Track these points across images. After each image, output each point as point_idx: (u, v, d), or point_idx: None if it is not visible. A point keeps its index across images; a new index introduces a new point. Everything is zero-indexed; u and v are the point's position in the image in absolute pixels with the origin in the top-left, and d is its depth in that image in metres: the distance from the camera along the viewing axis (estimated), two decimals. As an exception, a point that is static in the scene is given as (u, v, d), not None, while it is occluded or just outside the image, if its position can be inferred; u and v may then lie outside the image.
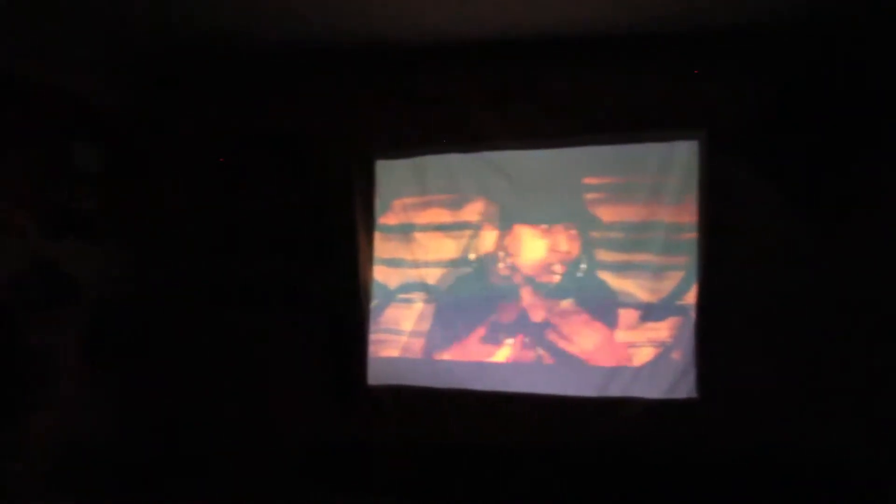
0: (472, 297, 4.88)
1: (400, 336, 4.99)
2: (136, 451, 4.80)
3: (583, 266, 4.73)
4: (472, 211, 4.91)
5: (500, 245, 4.86)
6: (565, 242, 4.76)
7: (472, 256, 4.89)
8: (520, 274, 4.82)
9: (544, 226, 4.80)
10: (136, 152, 5.00)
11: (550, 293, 4.77)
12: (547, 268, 4.78)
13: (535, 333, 4.77)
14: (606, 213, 4.70)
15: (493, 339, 4.84)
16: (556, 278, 4.77)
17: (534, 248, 4.81)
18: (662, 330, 4.59)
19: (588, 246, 4.72)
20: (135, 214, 5.01)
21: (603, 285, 4.69)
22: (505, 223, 4.86)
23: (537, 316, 4.78)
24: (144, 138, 5.06)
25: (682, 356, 4.55)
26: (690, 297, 4.55)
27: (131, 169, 4.97)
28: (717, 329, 4.46)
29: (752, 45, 4.44)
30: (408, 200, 5.00)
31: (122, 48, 4.79)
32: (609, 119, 4.66)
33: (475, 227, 4.90)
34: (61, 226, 4.50)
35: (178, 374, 5.10)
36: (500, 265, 4.85)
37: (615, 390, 4.60)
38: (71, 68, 4.52)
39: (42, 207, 4.40)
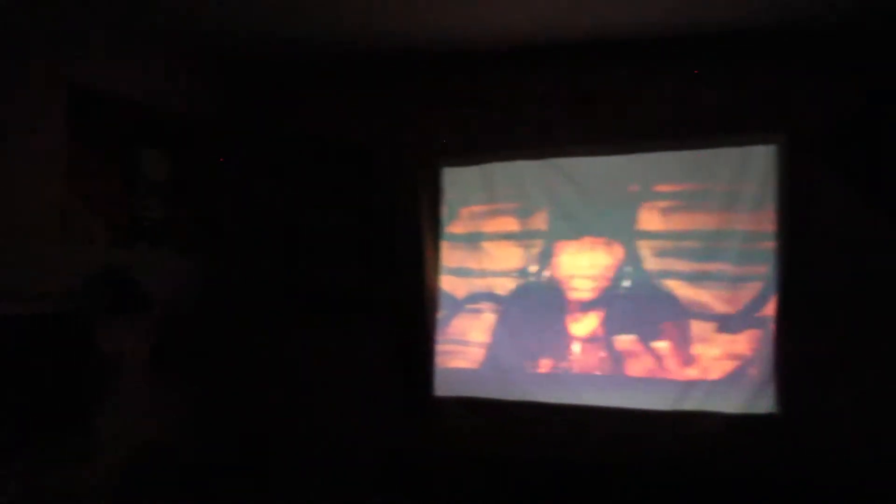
0: (542, 307, 4.77)
1: (467, 347, 4.90)
2: (203, 458, 4.80)
3: (655, 276, 4.58)
4: (541, 219, 4.81)
5: (569, 254, 4.74)
6: (636, 252, 4.61)
7: (541, 266, 4.79)
8: (590, 283, 4.69)
9: (616, 240, 4.66)
10: (204, 161, 5.03)
11: (621, 304, 4.63)
12: (618, 278, 4.65)
13: (607, 345, 4.64)
14: (679, 222, 4.54)
15: (563, 349, 4.72)
16: (627, 288, 4.63)
17: (603, 257, 4.68)
18: (740, 343, 4.42)
19: (660, 255, 4.57)
20: (204, 223, 5.03)
21: (676, 296, 4.53)
22: (574, 232, 4.74)
23: (609, 327, 4.65)
24: (213, 147, 5.08)
25: (761, 371, 4.36)
26: (769, 308, 4.37)
27: (200, 177, 5.00)
28: (797, 342, 4.26)
29: (833, 44, 4.26)
30: (475, 209, 4.93)
31: (192, 55, 4.85)
32: (682, 124, 4.51)
33: (544, 236, 4.79)
34: (132, 233, 4.55)
35: (246, 382, 5.10)
36: (570, 275, 4.73)
37: (690, 404, 4.43)
38: (140, 77, 4.56)
39: (113, 215, 4.44)
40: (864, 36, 4.20)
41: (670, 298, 4.54)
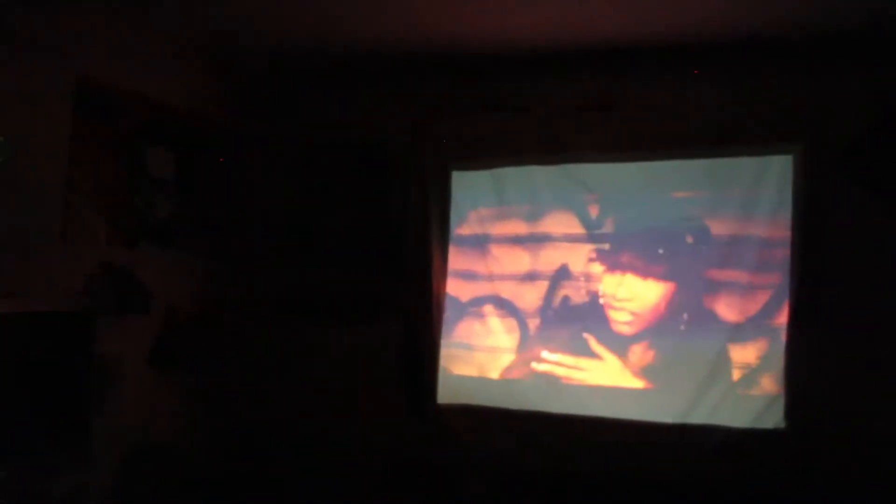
0: (550, 312, 4.71)
1: (472, 352, 4.85)
2: (204, 462, 4.74)
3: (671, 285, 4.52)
4: (551, 223, 4.74)
5: (579, 258, 4.67)
6: (650, 257, 4.54)
7: (550, 270, 4.72)
8: (600, 289, 4.63)
9: (628, 240, 4.59)
10: (212, 159, 4.96)
11: (632, 310, 4.57)
12: (630, 285, 4.58)
13: (618, 351, 4.56)
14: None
15: (572, 357, 4.65)
16: (639, 296, 4.56)
17: (615, 263, 4.61)
18: (749, 352, 4.34)
19: (675, 261, 4.50)
20: (209, 222, 4.95)
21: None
22: (585, 237, 4.67)
23: (619, 333, 4.58)
24: (220, 145, 5.01)
25: (771, 382, 4.29)
26: (780, 318, 4.30)
27: (206, 176, 4.93)
28: (809, 354, 4.18)
29: (853, 54, 4.17)
30: (484, 212, 4.86)
31: (201, 52, 4.77)
32: (699, 132, 4.44)
33: (554, 240, 4.72)
34: (135, 232, 4.48)
35: (249, 385, 5.04)
36: (579, 280, 4.67)
37: (698, 417, 4.35)
38: (148, 72, 4.48)
39: (116, 213, 4.37)
40: (884, 46, 4.11)
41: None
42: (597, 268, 4.64)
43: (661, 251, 4.53)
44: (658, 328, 4.51)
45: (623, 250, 4.59)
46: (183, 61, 4.74)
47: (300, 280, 5.08)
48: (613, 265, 4.62)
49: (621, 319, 4.59)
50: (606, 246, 4.64)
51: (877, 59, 4.15)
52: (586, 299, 4.65)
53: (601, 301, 4.62)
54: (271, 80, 5.13)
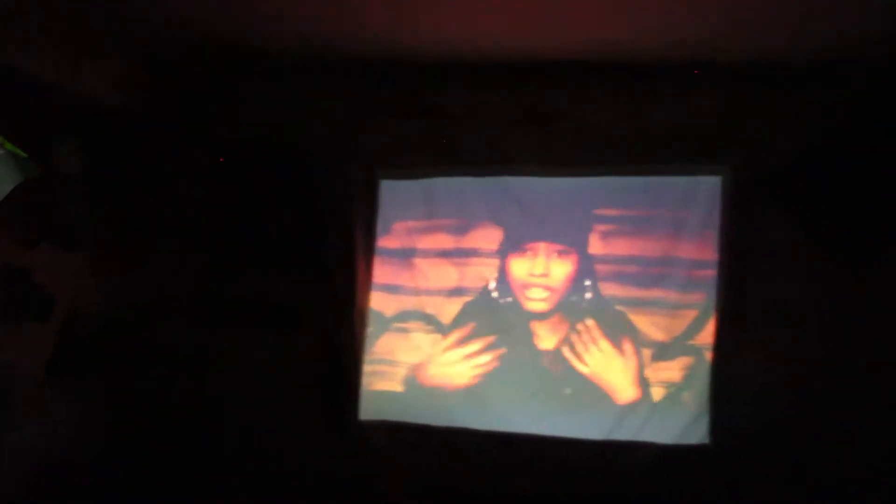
0: (476, 326, 4.63)
1: (395, 367, 4.70)
2: (109, 477, 4.37)
3: (593, 300, 4.52)
4: (479, 237, 4.68)
5: (506, 273, 4.63)
6: (576, 274, 4.55)
7: (476, 284, 4.65)
8: (526, 305, 4.59)
9: (554, 254, 4.57)
10: (123, 155, 4.62)
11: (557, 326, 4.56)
12: (556, 299, 4.56)
13: (539, 370, 4.53)
14: (622, 246, 4.51)
15: (497, 373, 4.58)
16: (565, 311, 4.55)
17: (540, 279, 4.58)
18: (673, 370, 4.40)
19: (600, 280, 4.52)
20: (118, 221, 4.62)
21: (616, 319, 4.49)
22: (513, 251, 4.63)
23: (545, 351, 4.55)
24: (134, 140, 4.68)
25: (694, 399, 4.36)
26: (703, 336, 4.38)
27: (117, 173, 4.59)
28: (732, 371, 4.27)
29: (784, 82, 4.32)
30: (411, 224, 4.76)
31: (117, 42, 4.45)
32: (630, 149, 4.48)
33: (481, 255, 4.66)
34: (36, 231, 4.10)
35: (157, 397, 4.69)
36: (506, 294, 4.61)
37: (624, 433, 4.37)
38: (57, 60, 4.12)
39: (15, 210, 3.99)
40: (813, 76, 4.27)
41: (611, 322, 4.49)
42: (521, 279, 4.60)
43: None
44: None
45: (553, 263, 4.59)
46: (100, 53, 4.40)
47: (216, 285, 4.79)
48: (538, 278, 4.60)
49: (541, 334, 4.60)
50: (533, 258, 4.61)
51: (809, 88, 4.31)
52: (512, 311, 4.60)
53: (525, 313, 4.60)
54: (192, 76, 4.84)
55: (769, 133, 4.35)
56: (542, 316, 4.58)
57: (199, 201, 4.82)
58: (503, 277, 4.63)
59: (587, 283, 4.53)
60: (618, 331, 4.48)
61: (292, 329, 4.71)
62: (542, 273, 4.57)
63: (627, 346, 4.46)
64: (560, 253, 4.57)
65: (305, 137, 4.77)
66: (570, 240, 4.57)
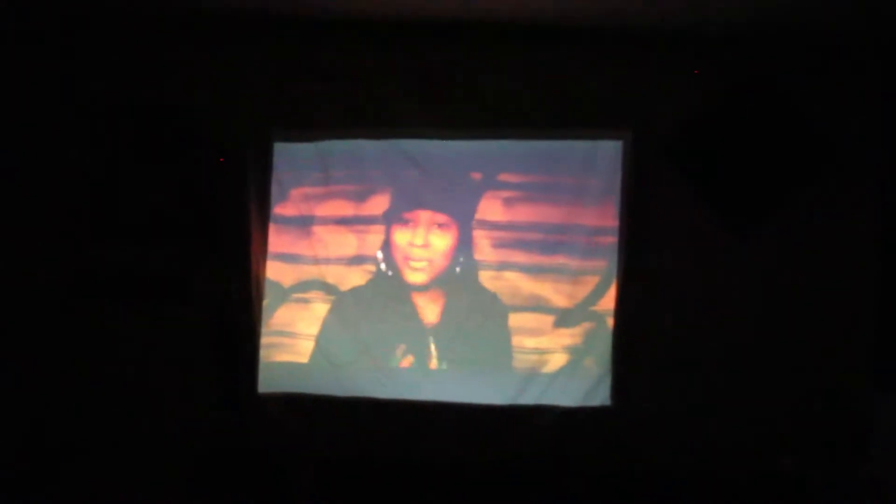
0: (377, 296, 4.54)
1: (294, 339, 4.56)
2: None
3: (493, 267, 4.50)
4: (378, 204, 4.56)
5: (406, 241, 4.53)
6: (476, 240, 4.51)
7: (376, 253, 4.55)
8: (427, 272, 4.53)
9: (454, 222, 4.51)
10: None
11: (460, 293, 4.52)
12: (455, 267, 4.52)
13: (444, 337, 4.51)
14: (524, 213, 4.48)
15: (399, 341, 4.53)
16: (466, 278, 4.51)
17: (441, 245, 4.52)
18: (576, 336, 4.45)
19: (500, 246, 4.49)
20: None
21: (516, 287, 4.48)
22: (413, 217, 4.53)
23: (447, 319, 4.52)
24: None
25: (596, 363, 4.43)
26: (605, 302, 4.44)
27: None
28: (633, 336, 4.38)
29: (686, 48, 4.35)
30: (308, 190, 4.57)
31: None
32: (532, 113, 4.44)
33: (380, 222, 4.55)
34: None
35: (39, 375, 4.41)
36: (407, 262, 4.53)
37: (528, 398, 4.41)
38: None
39: None
40: (715, 43, 4.32)
41: (512, 290, 4.48)
42: (422, 246, 4.53)
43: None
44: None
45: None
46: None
47: (98, 257, 4.46)
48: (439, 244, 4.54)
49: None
50: (432, 226, 4.53)
51: (710, 55, 4.36)
52: (413, 280, 4.54)
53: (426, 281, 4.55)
54: (66, 28, 4.44)
55: (670, 97, 4.39)
56: (421, 288, 4.54)
57: (75, 167, 4.47)
58: (400, 247, 4.54)
59: (487, 255, 4.51)
60: (515, 302, 4.48)
61: (183, 301, 4.47)
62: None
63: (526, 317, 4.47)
64: (440, 226, 4.52)
65: (191, 98, 4.48)
66: (471, 210, 4.51)
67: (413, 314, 4.53)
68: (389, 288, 4.53)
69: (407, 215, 4.52)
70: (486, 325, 4.49)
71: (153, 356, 4.46)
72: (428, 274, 4.52)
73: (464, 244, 4.50)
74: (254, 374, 4.49)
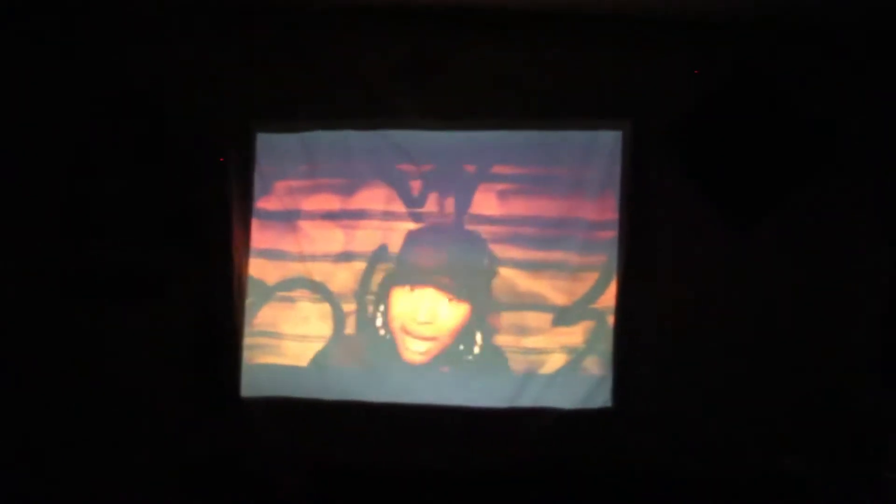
0: (366, 294, 4.34)
1: (280, 340, 4.35)
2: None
3: (487, 262, 4.31)
4: (368, 197, 4.36)
5: (396, 235, 4.34)
6: (471, 234, 4.32)
7: (366, 248, 4.34)
8: (420, 273, 4.33)
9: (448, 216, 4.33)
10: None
11: (453, 291, 4.31)
12: (450, 264, 4.32)
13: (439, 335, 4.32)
14: (519, 206, 4.30)
15: (391, 340, 4.33)
16: (461, 275, 4.31)
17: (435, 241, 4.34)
18: (575, 335, 4.27)
19: (496, 241, 4.30)
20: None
21: (512, 285, 4.29)
22: (406, 215, 4.35)
23: (440, 318, 4.31)
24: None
25: (597, 363, 4.26)
26: (605, 299, 4.27)
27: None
28: (634, 335, 4.22)
29: (688, 36, 4.21)
30: (293, 183, 4.37)
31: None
32: (528, 102, 4.26)
33: (370, 216, 4.35)
34: None
35: (13, 376, 4.18)
36: (398, 258, 4.34)
37: (526, 400, 4.23)
38: None
39: None
40: (717, 33, 4.19)
41: (507, 288, 4.30)
42: (414, 243, 4.35)
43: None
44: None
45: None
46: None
47: (75, 256, 4.24)
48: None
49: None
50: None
51: (712, 44, 4.22)
52: (406, 278, 4.34)
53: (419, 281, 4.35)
54: (35, 15, 4.21)
55: (671, 87, 4.23)
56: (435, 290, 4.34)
57: (51, 162, 4.25)
58: (389, 242, 4.35)
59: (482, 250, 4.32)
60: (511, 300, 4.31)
61: (162, 301, 4.25)
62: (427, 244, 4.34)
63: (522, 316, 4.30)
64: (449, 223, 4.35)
65: (170, 87, 4.28)
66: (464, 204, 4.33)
67: (415, 311, 4.33)
68: (385, 284, 4.35)
69: (403, 215, 4.34)
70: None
71: (131, 358, 4.25)
72: (428, 276, 4.33)
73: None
74: (237, 377, 4.28)
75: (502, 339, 4.30)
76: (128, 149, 4.28)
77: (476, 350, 4.29)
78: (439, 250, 4.31)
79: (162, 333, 4.24)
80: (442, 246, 4.31)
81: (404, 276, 4.32)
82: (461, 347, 4.30)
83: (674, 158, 4.24)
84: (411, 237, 4.33)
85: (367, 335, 4.34)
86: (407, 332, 4.30)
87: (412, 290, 4.31)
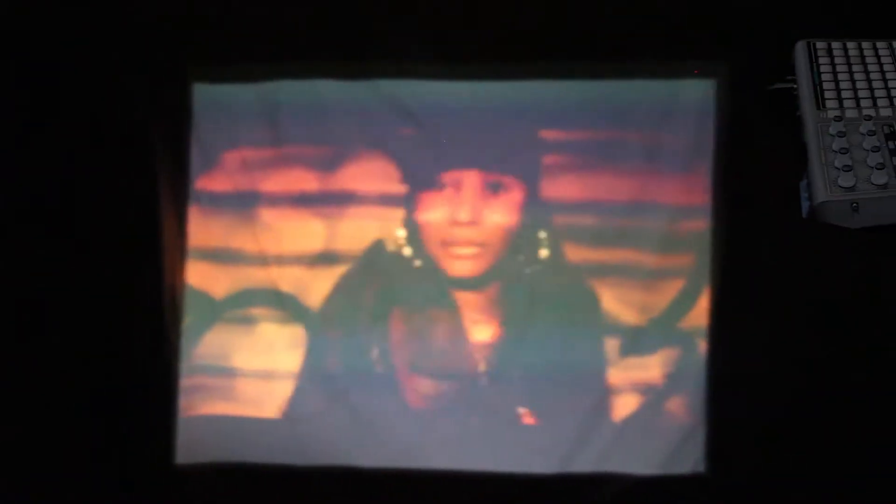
0: (358, 311, 3.28)
1: (232, 379, 3.27)
2: None
3: (535, 264, 3.28)
4: (356, 174, 3.30)
5: (403, 229, 3.30)
6: (508, 225, 3.27)
7: (357, 246, 3.29)
8: (438, 274, 3.28)
9: (476, 198, 3.25)
10: None
11: (485, 305, 3.29)
12: (479, 264, 3.28)
13: (464, 369, 3.26)
14: (572, 187, 3.26)
15: (395, 379, 3.29)
16: (496, 281, 3.27)
17: (457, 233, 3.27)
18: (652, 368, 3.22)
19: (548, 233, 3.28)
20: None
21: (580, 291, 3.25)
22: (410, 193, 3.30)
23: (463, 345, 3.25)
24: None
25: (683, 408, 3.21)
26: (694, 317, 3.22)
27: None
28: (737, 366, 3.13)
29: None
30: (249, 153, 3.30)
31: None
32: (587, 44, 3.24)
33: (360, 201, 3.31)
34: None
35: None
36: (406, 260, 3.31)
37: (584, 462, 3.18)
38: None
39: None
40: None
41: (571, 297, 3.25)
42: (428, 237, 3.29)
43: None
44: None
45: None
46: None
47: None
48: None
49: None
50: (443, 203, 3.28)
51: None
52: (417, 284, 3.30)
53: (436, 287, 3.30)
54: None
55: (783, 17, 3.06)
56: (469, 284, 3.28)
57: None
58: (393, 238, 3.29)
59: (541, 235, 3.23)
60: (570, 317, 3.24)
61: (59, 324, 3.13)
62: (469, 220, 3.24)
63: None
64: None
65: (78, 32, 3.20)
66: (508, 168, 3.26)
67: (427, 332, 3.31)
68: (387, 297, 3.32)
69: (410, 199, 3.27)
70: None
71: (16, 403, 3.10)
72: (451, 276, 3.28)
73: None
74: (169, 437, 3.19)
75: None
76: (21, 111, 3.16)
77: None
78: None
79: (59, 372, 3.08)
80: None
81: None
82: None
83: (790, 118, 3.16)
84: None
85: (357, 371, 3.24)
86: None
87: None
